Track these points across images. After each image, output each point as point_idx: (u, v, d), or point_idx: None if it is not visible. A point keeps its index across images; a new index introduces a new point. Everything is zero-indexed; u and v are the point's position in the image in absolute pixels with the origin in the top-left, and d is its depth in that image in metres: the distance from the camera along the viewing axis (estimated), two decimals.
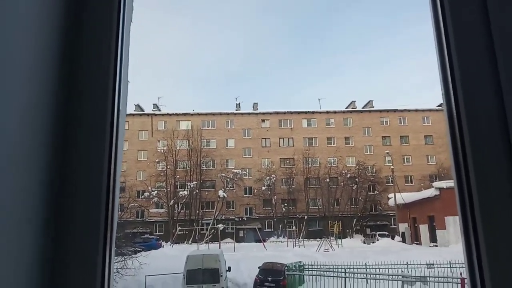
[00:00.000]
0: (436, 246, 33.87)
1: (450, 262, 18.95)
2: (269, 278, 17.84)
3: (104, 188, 0.95)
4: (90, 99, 0.99)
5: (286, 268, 18.41)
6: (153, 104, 61.96)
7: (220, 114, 60.13)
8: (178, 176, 53.72)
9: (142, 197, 49.38)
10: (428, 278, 15.63)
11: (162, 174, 53.45)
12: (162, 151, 54.41)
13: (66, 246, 0.91)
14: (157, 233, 48.08)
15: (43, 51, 0.91)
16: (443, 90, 1.01)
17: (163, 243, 40.17)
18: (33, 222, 0.86)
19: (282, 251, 31.56)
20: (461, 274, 15.70)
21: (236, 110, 61.39)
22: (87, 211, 0.93)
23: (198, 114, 59.60)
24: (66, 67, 0.99)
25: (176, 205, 51.85)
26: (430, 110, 60.25)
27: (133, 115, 59.11)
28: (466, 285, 14.09)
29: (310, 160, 55.76)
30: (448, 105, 0.99)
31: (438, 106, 60.59)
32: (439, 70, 1.02)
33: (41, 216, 0.88)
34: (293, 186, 54.67)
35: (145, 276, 18.82)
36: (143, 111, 60.73)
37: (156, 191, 51.44)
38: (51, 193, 0.91)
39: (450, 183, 36.45)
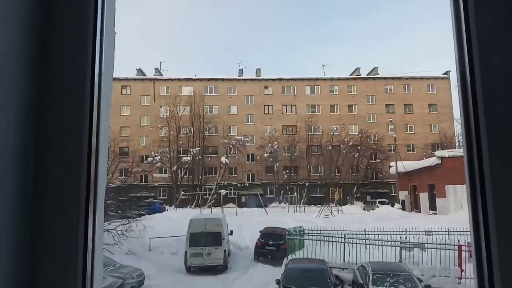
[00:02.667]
0: (435, 214, 34.35)
1: (448, 229, 19.30)
2: (270, 242, 18.28)
3: (85, 159, 0.92)
4: (68, 59, 0.94)
5: (286, 232, 18.81)
6: (155, 68, 61.23)
7: (223, 80, 59.43)
8: (181, 142, 53.92)
9: (145, 162, 49.78)
10: (425, 244, 15.95)
11: (165, 139, 53.64)
12: (164, 116, 54.32)
13: (44, 211, 0.89)
14: (160, 197, 48.85)
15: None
16: (456, 55, 0.96)
17: (167, 207, 40.89)
18: (8, 186, 0.84)
19: (283, 216, 32.12)
20: (458, 241, 16.03)
21: (239, 76, 60.63)
22: (68, 176, 0.90)
23: (200, 79, 58.92)
24: (39, 23, 0.94)
25: (179, 170, 52.40)
26: (435, 78, 59.29)
27: (135, 79, 58.55)
28: (464, 252, 14.41)
29: (312, 127, 55.65)
30: (462, 73, 0.94)
31: (443, 74, 59.60)
32: (454, 36, 0.97)
33: (19, 181, 0.86)
34: (295, 154, 54.90)
35: (149, 238, 19.32)
36: (145, 75, 60.07)
37: (159, 156, 51.83)
38: (28, 158, 0.89)
39: (452, 152, 36.55)
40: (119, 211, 19.79)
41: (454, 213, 31.19)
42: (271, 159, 53.91)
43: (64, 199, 0.90)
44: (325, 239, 17.55)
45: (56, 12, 0.96)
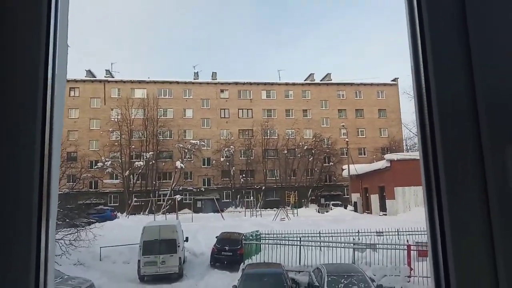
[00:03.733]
0: (385, 215, 35.81)
1: (397, 230, 20.15)
2: (227, 247, 18.10)
3: (37, 165, 0.88)
4: (20, 59, 0.89)
5: (243, 237, 18.72)
6: (106, 70, 58.89)
7: (178, 82, 58.44)
8: (133, 146, 52.24)
9: (95, 167, 47.71)
10: (377, 245, 16.53)
11: (116, 144, 51.65)
12: (116, 120, 52.36)
13: None
14: (112, 204, 46.95)
15: None
16: (412, 64, 0.97)
17: (119, 214, 39.39)
18: None
19: (240, 220, 32.05)
20: (407, 241, 16.74)
21: (194, 79, 59.94)
22: (19, 182, 0.86)
23: (154, 82, 57.54)
24: None
25: (131, 176, 50.67)
26: (384, 84, 62.15)
27: (84, 81, 56.05)
28: (412, 251, 15.06)
29: (268, 131, 56.19)
30: (417, 79, 0.96)
31: (392, 80, 62.60)
32: (410, 49, 0.98)
33: None
34: (251, 157, 55.10)
35: (100, 247, 18.44)
36: (95, 77, 57.66)
37: (110, 162, 49.85)
38: None
39: (401, 155, 38.37)
40: (67, 220, 18.72)
41: (403, 214, 32.70)
42: (228, 163, 53.71)
43: (15, 206, 0.85)
44: (281, 243, 17.66)
45: (7, 10, 0.90)
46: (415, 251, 15.21)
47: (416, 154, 35.05)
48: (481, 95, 0.87)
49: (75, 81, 54.80)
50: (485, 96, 0.87)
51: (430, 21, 0.92)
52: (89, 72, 57.70)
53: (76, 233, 17.74)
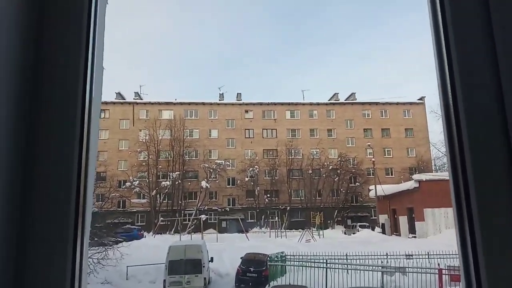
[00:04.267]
0: (414, 237, 34.63)
1: (428, 253, 19.45)
2: (251, 269, 17.95)
3: (74, 183, 0.90)
4: (60, 86, 0.93)
5: (268, 258, 18.54)
6: (135, 92, 60.90)
7: (203, 104, 59.60)
8: (160, 166, 53.21)
9: (123, 187, 48.68)
10: (407, 268, 16.00)
11: (144, 164, 52.82)
12: (144, 140, 53.69)
13: (33, 242, 0.87)
14: (138, 224, 47.60)
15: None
16: (439, 82, 0.97)
17: (145, 233, 39.82)
18: None
19: (265, 241, 31.75)
20: (438, 264, 16.15)
21: (219, 100, 60.97)
22: (57, 205, 0.88)
23: (181, 103, 58.90)
24: (32, 52, 0.92)
25: (158, 195, 51.42)
26: (411, 103, 61.16)
27: (114, 103, 58.00)
28: (444, 275, 14.49)
29: (293, 151, 56.03)
30: (444, 98, 0.95)
31: (418, 99, 61.56)
32: (436, 64, 0.98)
33: (6, 211, 0.84)
34: (276, 177, 54.91)
35: (127, 266, 18.67)
36: (124, 99, 59.62)
37: (137, 181, 50.84)
38: (17, 186, 0.87)
39: (429, 176, 37.29)
40: (96, 238, 19.12)
41: (433, 237, 31.55)
42: (252, 183, 53.69)
43: (51, 228, 0.87)
44: (307, 265, 17.37)
45: (46, 39, 0.95)
46: (447, 275, 14.63)
47: (445, 175, 34.01)
48: (511, 112, 0.85)
49: (106, 103, 56.79)
50: None
51: (456, 37, 0.92)
52: (119, 95, 59.77)
53: (104, 252, 18.05)
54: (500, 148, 0.85)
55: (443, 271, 14.82)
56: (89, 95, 0.97)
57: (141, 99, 59.81)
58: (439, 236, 30.64)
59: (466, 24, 0.92)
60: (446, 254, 18.18)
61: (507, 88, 0.86)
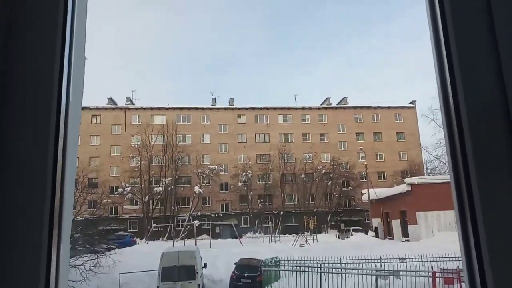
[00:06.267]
0: (408, 240, 34.77)
1: (421, 256, 19.53)
2: (245, 274, 17.84)
3: (49, 186, 0.86)
4: (33, 87, 0.87)
5: (262, 263, 18.46)
6: (127, 97, 60.59)
7: (196, 108, 59.49)
8: (152, 172, 52.89)
9: (115, 193, 48.30)
10: (400, 272, 16.04)
11: (136, 169, 52.42)
12: (136, 146, 53.36)
13: (1, 248, 0.83)
14: (131, 230, 47.19)
15: None
16: (439, 82, 0.94)
17: (138, 240, 39.51)
18: None
19: (258, 246, 31.65)
20: (432, 267, 16.21)
21: (212, 105, 60.92)
22: (29, 209, 0.84)
23: (173, 108, 58.72)
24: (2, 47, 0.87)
25: (150, 201, 51.06)
26: (402, 107, 61.70)
27: (106, 108, 57.68)
28: (437, 278, 14.54)
29: (286, 156, 56.11)
30: (444, 98, 0.92)
31: (409, 103, 62.12)
32: (436, 64, 0.95)
33: None
34: (269, 182, 54.89)
35: (119, 273, 18.45)
36: (116, 104, 59.32)
37: (130, 187, 50.45)
38: None
39: (421, 179, 37.56)
40: (87, 245, 18.90)
41: (426, 239, 31.72)
42: (245, 188, 53.58)
43: (24, 234, 0.83)
44: (301, 270, 17.32)
45: (19, 32, 0.89)
46: (440, 278, 14.68)
47: (437, 178, 34.23)
48: None
49: (97, 108, 56.44)
50: None
51: (456, 34, 0.89)
52: (111, 100, 59.45)
53: (96, 259, 17.82)
54: (503, 147, 0.84)
55: (437, 274, 14.87)
56: (65, 97, 0.91)
57: (133, 104, 59.53)
58: (432, 239, 30.82)
59: (466, 20, 0.89)
60: (439, 257, 18.28)
61: (510, 87, 0.85)
